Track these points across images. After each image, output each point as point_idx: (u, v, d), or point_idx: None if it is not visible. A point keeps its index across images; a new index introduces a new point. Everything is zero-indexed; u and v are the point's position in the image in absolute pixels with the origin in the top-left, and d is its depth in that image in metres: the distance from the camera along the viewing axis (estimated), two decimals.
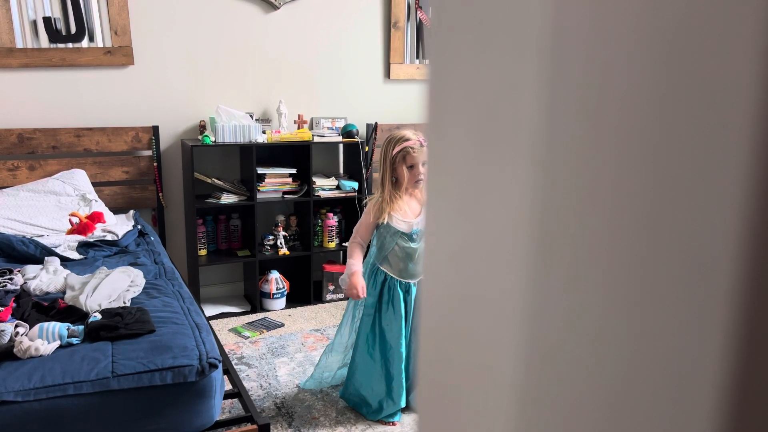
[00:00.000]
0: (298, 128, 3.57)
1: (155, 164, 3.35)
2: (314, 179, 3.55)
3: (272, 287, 3.50)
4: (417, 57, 4.00)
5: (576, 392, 0.27)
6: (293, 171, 3.51)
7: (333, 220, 3.67)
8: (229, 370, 2.27)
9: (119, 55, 3.23)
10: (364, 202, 2.42)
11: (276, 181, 3.47)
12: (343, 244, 3.75)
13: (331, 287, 3.70)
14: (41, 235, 2.78)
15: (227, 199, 3.36)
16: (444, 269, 0.32)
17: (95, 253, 2.65)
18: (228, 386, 2.25)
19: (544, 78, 0.26)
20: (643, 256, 0.24)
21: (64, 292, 2.17)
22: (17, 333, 1.77)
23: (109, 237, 2.79)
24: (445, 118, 0.31)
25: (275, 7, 3.53)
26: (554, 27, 0.25)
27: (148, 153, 3.37)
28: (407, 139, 2.23)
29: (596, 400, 0.26)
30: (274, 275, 3.53)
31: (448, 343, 0.33)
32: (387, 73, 3.92)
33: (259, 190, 3.40)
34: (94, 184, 3.19)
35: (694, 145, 0.22)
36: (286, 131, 3.51)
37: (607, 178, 0.25)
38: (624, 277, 0.25)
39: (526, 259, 0.27)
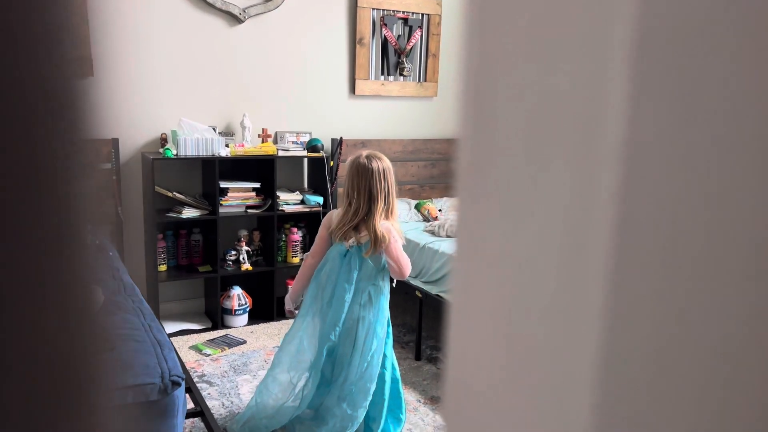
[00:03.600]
0: (263, 142, 3.54)
1: (114, 177, 3.27)
2: (278, 194, 3.52)
3: (234, 303, 3.43)
4: (382, 73, 4.03)
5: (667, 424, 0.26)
6: (257, 185, 3.47)
7: (297, 235, 3.64)
8: (191, 389, 2.21)
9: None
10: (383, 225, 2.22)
11: (239, 196, 3.42)
12: None
13: None
14: None
15: (188, 213, 3.29)
16: (497, 280, 0.30)
17: None
18: (190, 405, 2.19)
19: (629, 71, 0.24)
20: (746, 269, 0.23)
21: None
22: None
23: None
24: (498, 115, 0.29)
25: (240, 21, 3.51)
26: (641, 20, 0.24)
27: (107, 166, 3.28)
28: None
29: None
30: (236, 291, 3.46)
31: (498, 370, 0.31)
32: (352, 89, 3.93)
33: (221, 205, 3.35)
34: None
35: None
36: (250, 145, 3.47)
37: (705, 179, 0.24)
38: (725, 288, 0.24)
39: (603, 270, 0.25)
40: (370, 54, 3.96)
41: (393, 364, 2.35)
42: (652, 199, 0.25)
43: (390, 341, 2.32)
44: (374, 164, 2.16)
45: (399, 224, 2.28)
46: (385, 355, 2.29)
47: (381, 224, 2.17)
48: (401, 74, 4.07)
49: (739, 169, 0.24)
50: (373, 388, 2.20)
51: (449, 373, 0.34)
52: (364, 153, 2.23)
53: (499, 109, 0.29)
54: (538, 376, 0.28)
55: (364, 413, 2.22)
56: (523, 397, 0.29)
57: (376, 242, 2.16)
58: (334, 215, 2.29)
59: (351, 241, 2.19)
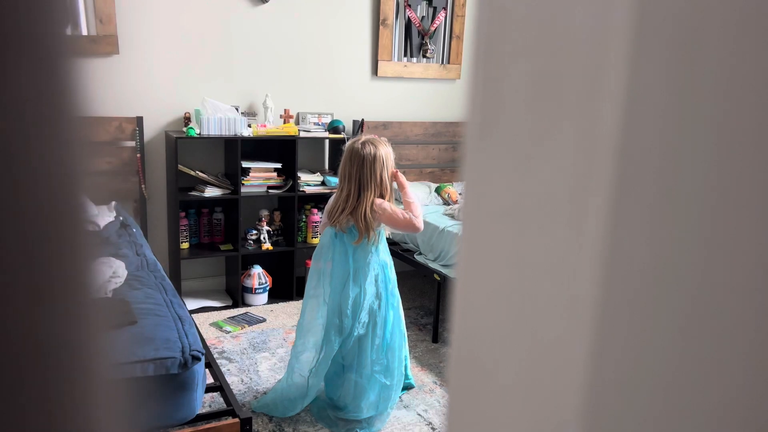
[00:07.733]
0: (284, 123, 3.55)
1: (138, 155, 3.31)
2: (299, 174, 3.54)
3: (254, 282, 3.47)
4: (405, 55, 4.00)
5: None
6: (278, 166, 3.49)
7: (317, 216, 3.66)
8: (210, 364, 2.25)
9: (104, 44, 3.18)
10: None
11: (261, 176, 3.44)
12: None
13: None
14: None
15: (211, 192, 3.33)
16: (502, 237, 0.31)
17: None
18: (209, 380, 2.23)
19: (630, 30, 0.24)
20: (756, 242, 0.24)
21: None
22: None
23: (89, 228, 2.75)
24: (505, 73, 0.29)
25: (264, 1, 3.50)
26: None
27: (131, 144, 3.32)
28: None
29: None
30: (257, 270, 3.50)
31: (497, 342, 0.32)
32: (374, 70, 3.91)
33: (243, 184, 3.37)
34: None
35: None
36: (272, 125, 3.48)
37: (708, 137, 0.25)
38: (731, 250, 0.25)
39: (604, 225, 0.26)
40: (394, 35, 3.93)
41: (400, 330, 2.35)
42: (653, 153, 0.25)
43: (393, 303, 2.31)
44: (366, 150, 2.09)
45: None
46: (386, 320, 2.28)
47: (370, 206, 2.11)
48: (424, 56, 4.04)
49: (745, 129, 0.25)
50: (403, 353, 2.29)
51: (455, 328, 0.35)
52: (363, 138, 2.16)
53: (506, 67, 0.29)
54: (541, 330, 0.29)
55: (402, 379, 2.32)
56: (526, 355, 0.30)
57: (368, 231, 2.12)
58: (331, 200, 2.26)
59: (338, 228, 2.17)
